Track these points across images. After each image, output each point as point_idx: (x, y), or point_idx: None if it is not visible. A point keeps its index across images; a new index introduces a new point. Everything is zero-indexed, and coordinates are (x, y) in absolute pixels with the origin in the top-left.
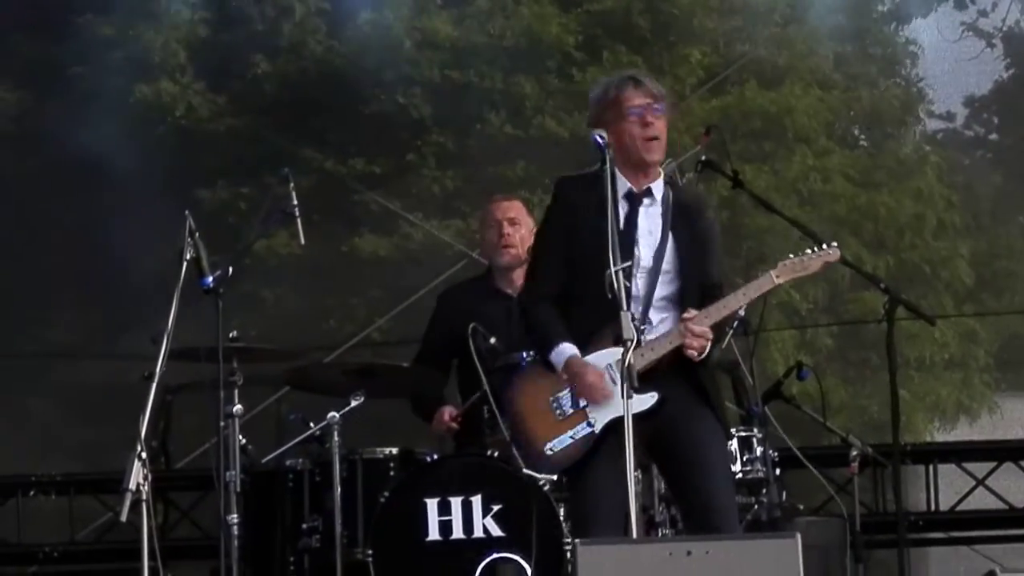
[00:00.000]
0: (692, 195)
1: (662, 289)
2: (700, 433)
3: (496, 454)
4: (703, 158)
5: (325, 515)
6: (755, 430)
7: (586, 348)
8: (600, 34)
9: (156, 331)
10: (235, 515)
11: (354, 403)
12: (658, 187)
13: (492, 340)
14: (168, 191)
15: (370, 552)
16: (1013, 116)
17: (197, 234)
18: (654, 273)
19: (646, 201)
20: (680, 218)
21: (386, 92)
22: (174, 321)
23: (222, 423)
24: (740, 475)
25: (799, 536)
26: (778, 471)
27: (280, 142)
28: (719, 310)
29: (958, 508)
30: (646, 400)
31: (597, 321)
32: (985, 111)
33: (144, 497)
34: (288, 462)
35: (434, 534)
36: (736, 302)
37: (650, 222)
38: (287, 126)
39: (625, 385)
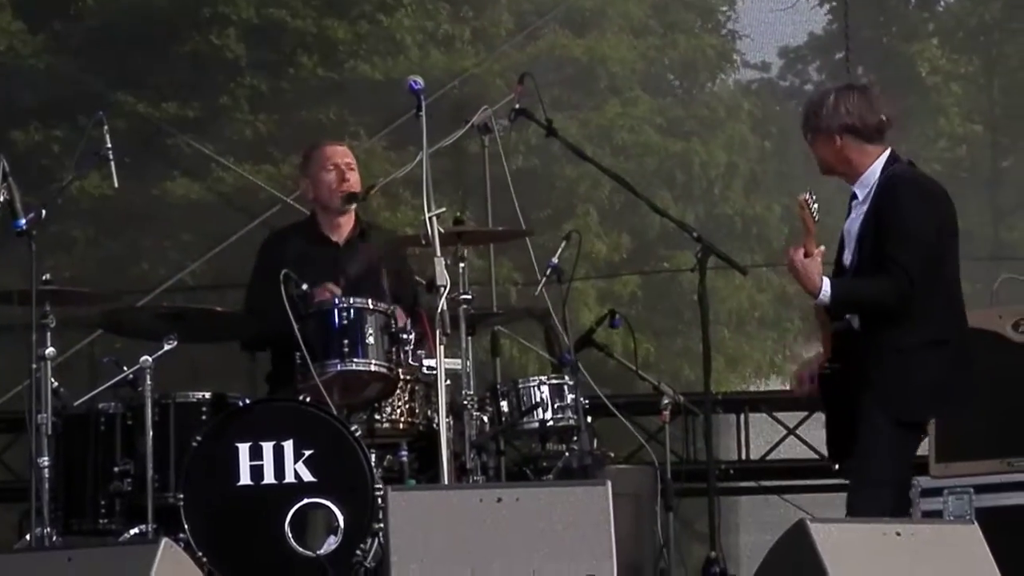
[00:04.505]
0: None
1: None
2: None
3: (308, 399)
4: (517, 106)
5: (137, 459)
6: (566, 378)
7: None
8: None
9: None
10: (46, 458)
11: (167, 347)
12: (862, 187)
13: (304, 286)
14: None
15: (181, 496)
16: (828, 66)
17: (10, 177)
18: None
19: (854, 203)
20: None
21: (201, 32)
22: None
23: (34, 366)
24: (551, 423)
25: (610, 484)
26: (589, 419)
27: (96, 83)
28: None
29: (768, 457)
30: None
31: None
32: (800, 62)
33: None
34: (100, 405)
35: (245, 479)
36: None
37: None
38: (104, 67)
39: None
